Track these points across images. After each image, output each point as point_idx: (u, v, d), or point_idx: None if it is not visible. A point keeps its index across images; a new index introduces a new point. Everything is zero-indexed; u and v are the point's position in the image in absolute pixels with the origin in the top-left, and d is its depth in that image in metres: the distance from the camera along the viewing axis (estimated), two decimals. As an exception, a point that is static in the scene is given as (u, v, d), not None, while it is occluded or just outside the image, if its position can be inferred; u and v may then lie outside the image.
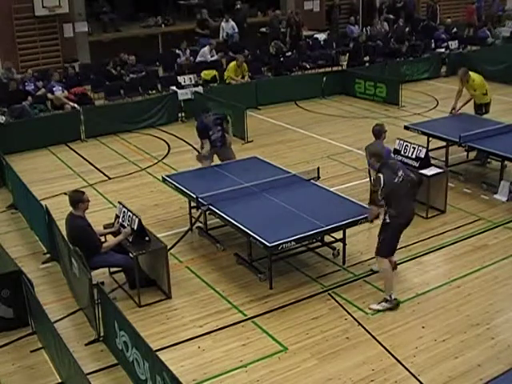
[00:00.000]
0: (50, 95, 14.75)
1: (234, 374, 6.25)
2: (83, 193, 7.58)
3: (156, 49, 20.83)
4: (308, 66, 18.47)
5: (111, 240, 7.63)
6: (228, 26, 20.32)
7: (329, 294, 7.54)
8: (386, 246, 7.17)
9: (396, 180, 7.03)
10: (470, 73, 11.44)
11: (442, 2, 24.78)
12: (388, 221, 7.06)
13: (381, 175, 7.02)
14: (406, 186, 7.09)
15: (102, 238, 7.73)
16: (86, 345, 6.74)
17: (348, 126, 14.16)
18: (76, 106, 14.46)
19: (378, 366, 6.28)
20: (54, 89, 14.78)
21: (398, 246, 8.53)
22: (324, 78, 16.59)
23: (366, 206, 7.98)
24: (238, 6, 21.22)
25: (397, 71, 17.37)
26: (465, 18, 23.40)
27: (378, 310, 7.15)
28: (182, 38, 19.18)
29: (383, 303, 7.21)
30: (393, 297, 7.22)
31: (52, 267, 8.37)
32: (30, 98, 14.50)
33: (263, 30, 21.71)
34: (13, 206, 10.32)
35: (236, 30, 20.30)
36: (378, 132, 9.28)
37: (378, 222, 7.23)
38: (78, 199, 7.41)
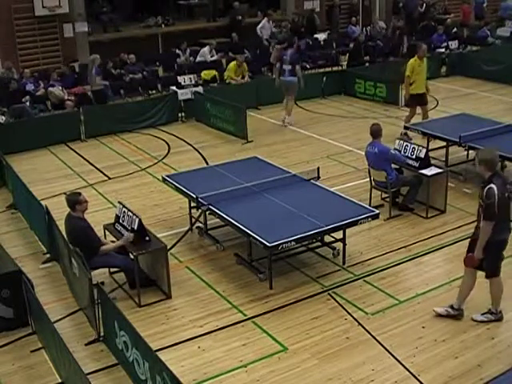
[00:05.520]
0: (50, 88, 14.70)
1: (234, 374, 6.25)
2: (79, 194, 7.57)
3: (156, 49, 20.82)
4: (308, 66, 18.45)
5: (110, 244, 7.62)
6: (268, 26, 20.53)
7: (329, 294, 7.53)
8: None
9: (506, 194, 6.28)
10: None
11: (443, 2, 24.75)
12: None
13: (493, 186, 6.24)
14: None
15: (102, 239, 7.73)
16: (86, 345, 6.74)
17: (348, 125, 14.15)
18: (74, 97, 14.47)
19: (378, 365, 6.27)
20: (54, 89, 14.76)
21: (398, 246, 8.60)
22: (324, 78, 16.59)
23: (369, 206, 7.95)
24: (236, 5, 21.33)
25: (397, 71, 17.33)
26: (460, 19, 23.33)
27: (482, 321, 6.81)
28: (182, 38, 19.17)
29: (488, 315, 6.83)
30: (498, 309, 6.83)
31: (52, 267, 8.37)
32: (27, 97, 14.45)
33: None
34: (13, 206, 10.31)
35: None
36: (376, 131, 9.29)
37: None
38: (74, 201, 7.40)
